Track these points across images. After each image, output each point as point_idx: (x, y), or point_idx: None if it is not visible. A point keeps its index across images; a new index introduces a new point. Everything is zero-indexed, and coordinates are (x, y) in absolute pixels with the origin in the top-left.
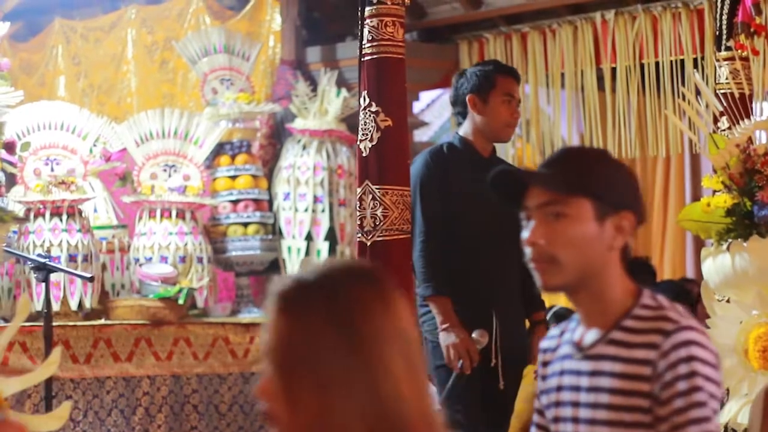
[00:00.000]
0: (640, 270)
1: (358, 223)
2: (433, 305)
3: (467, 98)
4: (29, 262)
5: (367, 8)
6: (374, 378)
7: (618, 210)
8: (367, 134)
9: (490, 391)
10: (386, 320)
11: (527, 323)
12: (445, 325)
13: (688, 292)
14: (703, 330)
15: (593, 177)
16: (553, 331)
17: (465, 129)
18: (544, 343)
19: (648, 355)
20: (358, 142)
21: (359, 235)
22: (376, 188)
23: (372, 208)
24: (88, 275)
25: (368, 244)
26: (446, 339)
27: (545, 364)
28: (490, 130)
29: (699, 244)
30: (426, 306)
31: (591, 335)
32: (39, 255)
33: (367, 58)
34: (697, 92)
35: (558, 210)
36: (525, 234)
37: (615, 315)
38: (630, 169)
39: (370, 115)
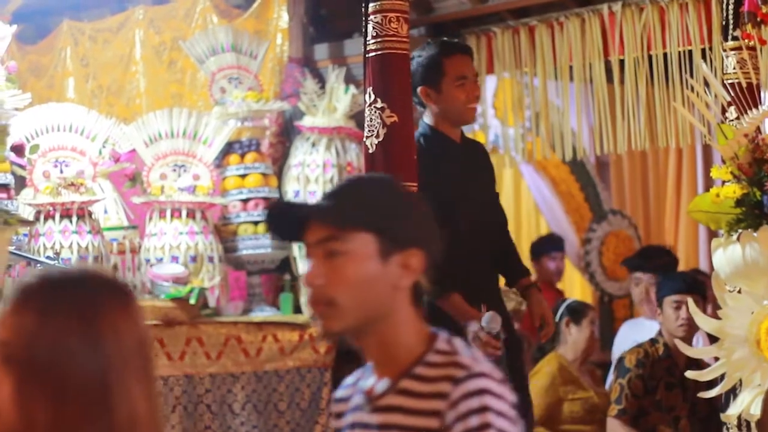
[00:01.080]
0: (660, 255)
1: None
2: (447, 304)
3: (419, 91)
4: (38, 265)
5: (371, 4)
6: (112, 396)
7: (405, 247)
8: (373, 131)
9: None
10: (130, 334)
11: (519, 292)
12: (462, 318)
13: (701, 284)
14: (499, 377)
15: (376, 210)
16: (349, 379)
17: (429, 117)
18: (338, 393)
19: (437, 405)
20: (365, 139)
21: None
22: None
23: None
24: None
25: None
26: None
27: (339, 415)
28: (451, 116)
29: (712, 234)
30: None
31: (382, 384)
32: (48, 257)
33: (371, 54)
34: (706, 83)
35: (336, 247)
36: (305, 273)
37: (406, 362)
38: (423, 204)
39: (375, 112)
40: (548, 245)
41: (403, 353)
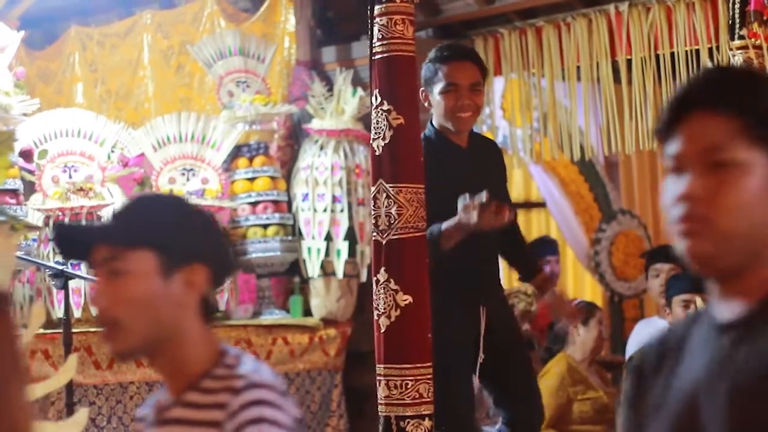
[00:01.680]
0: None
1: (373, 222)
2: (445, 234)
3: (420, 93)
4: (47, 270)
5: (377, 7)
6: None
7: (187, 263)
8: (379, 133)
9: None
10: (8, 340)
11: (533, 288)
12: (458, 225)
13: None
14: (280, 388)
15: (155, 228)
16: (152, 399)
17: (435, 119)
18: (139, 412)
19: (217, 415)
20: (371, 141)
21: (374, 234)
22: (390, 187)
23: (386, 207)
24: None
25: (383, 242)
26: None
27: None
28: (443, 122)
29: None
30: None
31: (170, 399)
32: (57, 262)
33: (377, 56)
34: None
35: (117, 266)
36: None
37: (194, 377)
38: (209, 219)
39: (382, 114)
40: (542, 249)
41: (193, 369)
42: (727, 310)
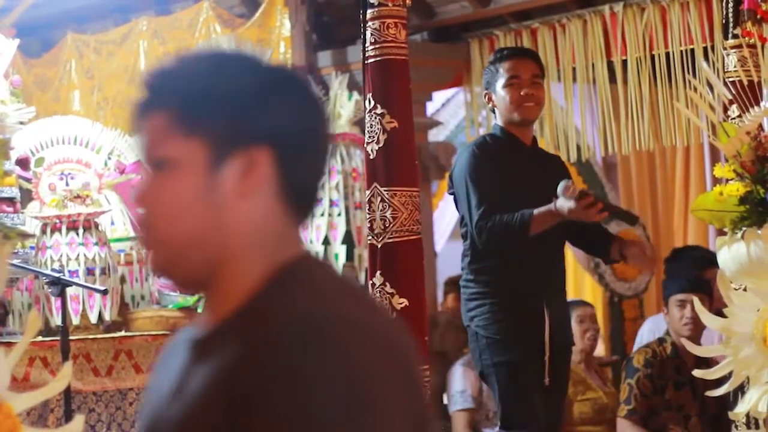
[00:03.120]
0: (702, 258)
1: (368, 225)
2: (538, 218)
3: (484, 97)
4: (44, 278)
5: (369, 11)
6: None
7: None
8: (373, 136)
9: (541, 387)
10: None
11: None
12: (552, 211)
13: (706, 282)
14: None
15: None
16: None
17: (499, 119)
18: None
19: None
20: (365, 145)
21: (369, 237)
22: (385, 190)
23: (381, 210)
24: (102, 288)
25: (379, 246)
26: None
27: None
28: (508, 115)
29: (721, 234)
30: (477, 300)
31: None
32: (53, 270)
33: (370, 60)
34: (708, 81)
35: None
36: None
37: None
38: None
39: (375, 118)
40: None
41: None
42: (203, 322)
